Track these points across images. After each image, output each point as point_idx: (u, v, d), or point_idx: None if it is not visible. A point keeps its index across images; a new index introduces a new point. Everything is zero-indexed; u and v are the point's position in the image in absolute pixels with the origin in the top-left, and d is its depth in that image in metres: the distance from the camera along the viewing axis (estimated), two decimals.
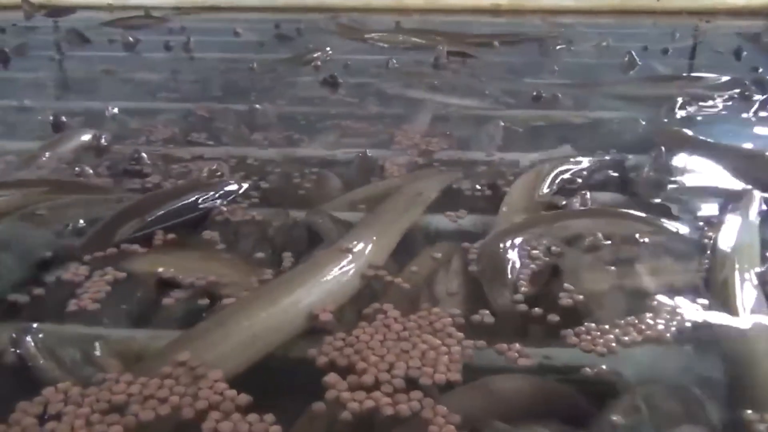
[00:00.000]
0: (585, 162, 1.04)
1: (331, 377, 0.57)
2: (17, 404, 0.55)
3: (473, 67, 1.74)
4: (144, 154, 1.06)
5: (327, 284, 0.69)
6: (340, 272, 0.71)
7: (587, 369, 0.59)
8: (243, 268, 0.76)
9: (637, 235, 0.79)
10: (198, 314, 0.67)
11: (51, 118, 1.23)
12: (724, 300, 0.67)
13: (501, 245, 0.76)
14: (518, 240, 0.78)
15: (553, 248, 0.77)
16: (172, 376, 0.57)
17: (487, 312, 0.67)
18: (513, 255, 0.75)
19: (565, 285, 0.71)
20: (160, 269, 0.74)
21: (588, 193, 0.90)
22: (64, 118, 1.23)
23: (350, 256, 0.73)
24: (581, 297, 0.69)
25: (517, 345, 0.61)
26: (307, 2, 2.67)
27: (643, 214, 0.85)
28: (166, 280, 0.73)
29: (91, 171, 1.01)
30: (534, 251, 0.77)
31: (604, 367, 0.59)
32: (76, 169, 1.02)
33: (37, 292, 0.71)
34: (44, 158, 1.07)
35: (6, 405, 0.55)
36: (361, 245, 0.76)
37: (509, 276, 0.72)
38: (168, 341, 0.62)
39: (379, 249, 0.77)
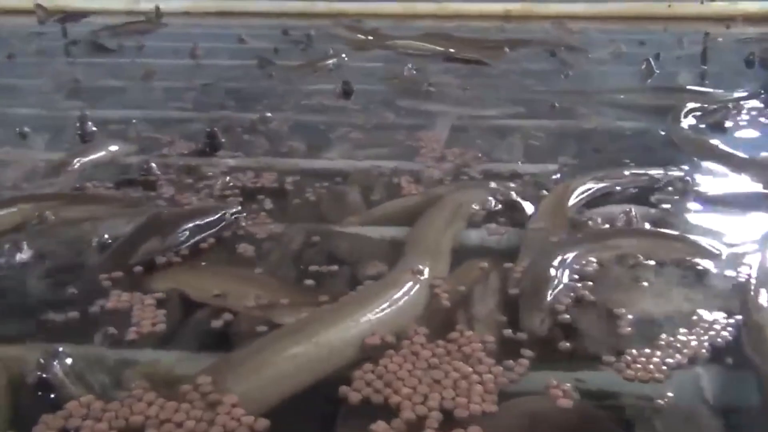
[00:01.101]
0: (615, 176, 1.03)
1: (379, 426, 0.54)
2: (41, 417, 0.54)
3: (488, 75, 1.73)
4: (153, 164, 1.05)
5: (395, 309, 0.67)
6: (407, 296, 0.69)
7: (625, 394, 0.58)
8: (290, 289, 0.74)
9: (679, 257, 0.78)
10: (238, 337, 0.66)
11: (78, 124, 1.23)
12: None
13: (544, 265, 0.75)
14: (560, 260, 0.76)
15: (595, 268, 0.76)
16: (188, 400, 0.55)
17: (524, 336, 0.65)
18: (554, 276, 0.73)
19: (607, 307, 0.69)
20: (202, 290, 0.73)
21: (633, 210, 0.88)
22: (93, 127, 1.23)
23: (417, 277, 0.72)
24: (622, 320, 0.67)
25: (554, 379, 0.59)
26: (315, 8, 2.67)
27: (685, 236, 0.83)
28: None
29: (110, 184, 1.01)
30: (575, 272, 0.75)
31: (642, 391, 0.58)
32: (93, 182, 1.02)
33: (71, 314, 0.69)
34: (73, 167, 1.07)
35: (30, 417, 0.55)
36: (422, 265, 0.74)
37: (547, 299, 0.70)
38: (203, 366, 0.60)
39: (439, 267, 0.77)
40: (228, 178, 1.03)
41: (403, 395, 0.57)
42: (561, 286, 0.72)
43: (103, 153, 1.13)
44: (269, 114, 1.33)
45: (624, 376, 0.60)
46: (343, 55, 1.90)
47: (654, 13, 2.48)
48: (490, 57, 1.89)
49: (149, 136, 1.25)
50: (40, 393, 0.58)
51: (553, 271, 0.73)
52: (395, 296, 0.69)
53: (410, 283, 0.71)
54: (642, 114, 1.39)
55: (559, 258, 0.75)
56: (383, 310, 0.66)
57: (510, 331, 0.66)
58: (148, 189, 1.00)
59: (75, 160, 1.08)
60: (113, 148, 1.15)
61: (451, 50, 1.93)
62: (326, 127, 1.31)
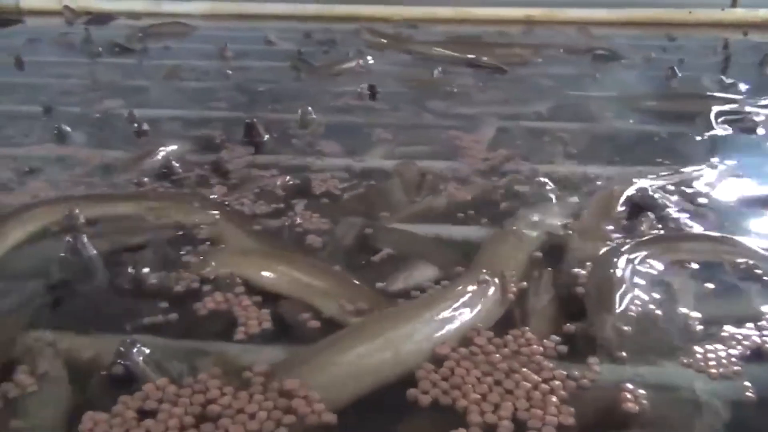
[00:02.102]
0: (657, 178, 1.05)
1: None
2: (119, 397, 0.57)
3: (514, 79, 1.75)
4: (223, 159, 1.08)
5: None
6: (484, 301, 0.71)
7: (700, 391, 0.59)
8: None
9: (740, 261, 0.79)
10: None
11: (135, 125, 1.25)
12: None
13: (609, 268, 0.76)
14: (625, 263, 0.77)
15: (661, 272, 0.77)
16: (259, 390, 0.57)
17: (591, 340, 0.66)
18: (622, 279, 0.74)
19: (676, 309, 0.71)
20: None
21: (652, 215, 0.90)
22: (146, 126, 1.25)
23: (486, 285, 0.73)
24: (690, 322, 0.69)
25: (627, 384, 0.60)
26: (337, 11, 2.68)
27: (745, 242, 0.84)
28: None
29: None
30: (641, 275, 0.76)
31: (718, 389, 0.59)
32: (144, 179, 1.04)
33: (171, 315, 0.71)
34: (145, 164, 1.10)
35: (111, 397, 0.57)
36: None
37: (617, 303, 0.70)
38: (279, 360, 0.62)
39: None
40: (288, 177, 1.05)
41: (472, 400, 0.57)
42: (628, 288, 0.73)
43: (168, 151, 1.15)
44: (313, 115, 1.34)
45: (697, 375, 0.61)
46: (369, 58, 1.92)
47: (675, 19, 2.49)
48: (516, 62, 1.90)
49: (202, 134, 1.27)
50: (119, 381, 0.60)
51: (619, 274, 0.74)
52: (467, 303, 0.69)
53: (480, 290, 0.71)
54: (668, 118, 1.40)
55: (623, 260, 0.77)
56: (455, 316, 0.67)
57: (575, 334, 0.67)
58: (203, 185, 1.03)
59: (146, 158, 1.11)
60: (173, 147, 1.17)
61: (470, 56, 1.93)
62: (362, 127, 1.33)
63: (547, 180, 1.04)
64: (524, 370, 0.61)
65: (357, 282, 0.75)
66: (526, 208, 0.95)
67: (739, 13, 2.50)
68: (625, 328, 0.67)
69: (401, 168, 1.08)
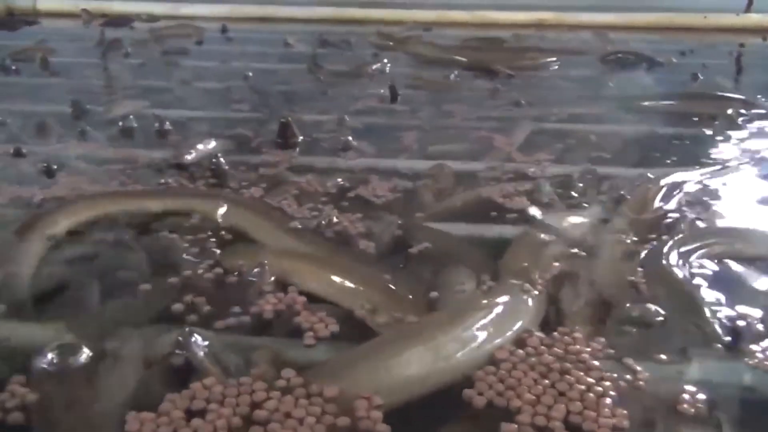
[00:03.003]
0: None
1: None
2: (166, 395, 0.57)
3: (534, 83, 1.75)
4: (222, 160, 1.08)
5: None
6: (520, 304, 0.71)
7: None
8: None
9: None
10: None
11: (156, 125, 1.26)
12: None
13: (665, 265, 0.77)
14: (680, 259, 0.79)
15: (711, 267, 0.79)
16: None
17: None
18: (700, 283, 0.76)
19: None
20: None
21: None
22: (170, 126, 1.27)
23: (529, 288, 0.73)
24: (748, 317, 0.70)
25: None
26: (352, 14, 2.70)
27: None
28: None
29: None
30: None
31: None
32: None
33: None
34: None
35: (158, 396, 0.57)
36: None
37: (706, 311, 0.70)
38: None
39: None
40: (325, 177, 1.06)
41: (526, 401, 0.57)
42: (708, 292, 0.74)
43: (206, 150, 1.16)
44: (347, 117, 1.35)
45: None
46: (385, 60, 1.93)
47: (690, 24, 2.50)
48: (529, 65, 1.92)
49: (231, 134, 1.28)
50: (177, 371, 0.60)
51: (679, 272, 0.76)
52: (512, 307, 0.70)
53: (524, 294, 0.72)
54: (690, 120, 1.42)
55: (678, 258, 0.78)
56: (504, 319, 0.67)
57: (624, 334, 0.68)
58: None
59: (184, 156, 1.12)
60: (211, 144, 1.19)
61: (485, 60, 1.94)
62: (389, 129, 1.34)
63: (577, 181, 1.05)
64: (576, 372, 0.61)
65: (394, 286, 0.75)
66: (554, 209, 0.96)
67: (755, 18, 2.51)
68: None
69: (435, 170, 1.09)
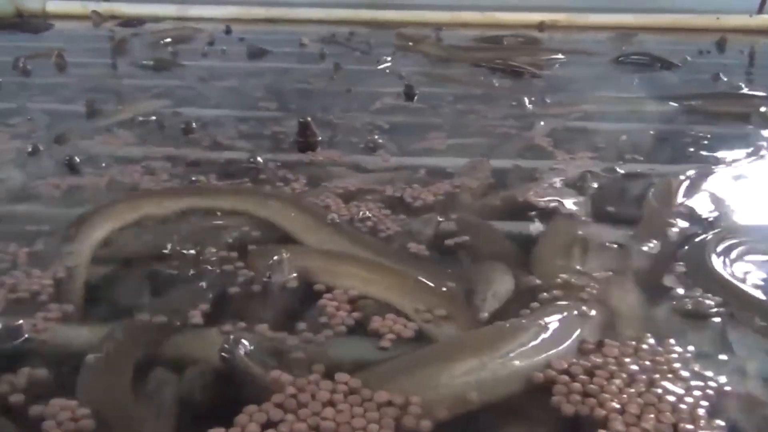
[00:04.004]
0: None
1: None
2: (244, 407, 0.54)
3: (551, 82, 1.74)
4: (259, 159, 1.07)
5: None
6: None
7: None
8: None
9: None
10: None
11: (183, 125, 1.26)
12: None
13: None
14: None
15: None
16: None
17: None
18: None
19: None
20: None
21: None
22: (194, 124, 1.25)
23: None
24: None
25: None
26: (363, 16, 2.69)
27: None
28: None
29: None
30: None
31: None
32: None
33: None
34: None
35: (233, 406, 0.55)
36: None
37: None
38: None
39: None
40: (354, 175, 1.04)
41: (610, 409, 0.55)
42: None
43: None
44: (370, 116, 1.33)
45: None
46: (387, 58, 1.92)
47: (702, 25, 2.49)
48: (546, 64, 1.91)
49: (255, 132, 1.27)
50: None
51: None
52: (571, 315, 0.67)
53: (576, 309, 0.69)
54: (721, 118, 1.41)
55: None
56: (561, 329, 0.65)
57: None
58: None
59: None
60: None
61: (498, 60, 1.93)
62: (411, 127, 1.33)
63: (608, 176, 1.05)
64: (663, 380, 0.59)
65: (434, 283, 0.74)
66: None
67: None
68: None
69: (473, 165, 1.08)
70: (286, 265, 0.74)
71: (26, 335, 0.63)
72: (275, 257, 0.74)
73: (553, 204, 0.96)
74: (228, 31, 2.37)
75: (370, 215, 0.90)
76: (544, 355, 0.61)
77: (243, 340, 0.60)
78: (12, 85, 1.63)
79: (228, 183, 1.02)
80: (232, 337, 0.61)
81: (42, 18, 2.66)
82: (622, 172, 1.08)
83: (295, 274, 0.74)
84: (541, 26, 2.52)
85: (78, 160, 1.07)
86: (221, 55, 2.05)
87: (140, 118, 1.33)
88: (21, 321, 0.64)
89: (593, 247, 0.84)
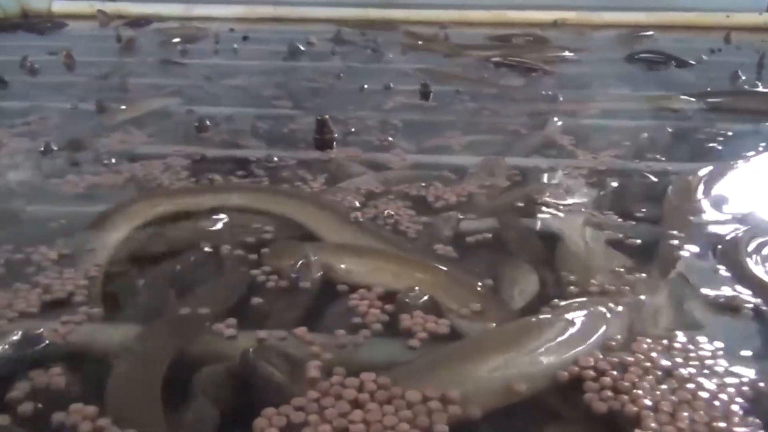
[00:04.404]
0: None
1: None
2: (263, 410, 0.52)
3: (563, 80, 1.73)
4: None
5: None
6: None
7: None
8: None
9: None
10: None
11: (196, 122, 1.25)
12: None
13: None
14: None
15: None
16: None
17: None
18: None
19: None
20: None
21: None
22: (207, 122, 1.24)
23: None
24: None
25: None
26: (372, 15, 2.68)
27: None
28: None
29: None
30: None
31: None
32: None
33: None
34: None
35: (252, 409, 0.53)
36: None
37: None
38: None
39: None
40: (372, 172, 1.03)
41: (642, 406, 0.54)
42: None
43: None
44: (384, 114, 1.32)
45: None
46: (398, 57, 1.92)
47: (712, 23, 2.48)
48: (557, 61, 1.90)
49: (268, 129, 1.26)
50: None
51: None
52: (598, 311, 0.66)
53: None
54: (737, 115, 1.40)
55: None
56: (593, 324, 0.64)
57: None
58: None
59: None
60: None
61: (510, 58, 1.92)
62: (427, 125, 1.32)
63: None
64: (696, 377, 0.57)
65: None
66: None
67: None
68: None
69: (488, 163, 1.07)
70: (313, 265, 0.73)
71: (47, 341, 0.61)
72: (302, 259, 0.73)
73: (571, 201, 0.95)
74: (231, 32, 2.36)
75: (391, 213, 0.89)
76: (573, 352, 0.59)
77: (264, 345, 0.58)
78: (21, 84, 1.63)
79: (246, 181, 1.01)
80: (252, 343, 0.59)
81: (48, 18, 2.65)
82: (641, 168, 1.07)
83: (321, 273, 0.73)
84: (555, 24, 2.52)
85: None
86: (230, 53, 2.04)
87: (152, 116, 1.32)
88: (41, 329, 0.62)
89: (615, 244, 0.83)
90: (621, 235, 0.85)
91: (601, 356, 0.59)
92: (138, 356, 0.59)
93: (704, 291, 0.72)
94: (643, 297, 0.70)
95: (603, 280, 0.72)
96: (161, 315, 0.66)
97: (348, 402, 0.54)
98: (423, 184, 0.99)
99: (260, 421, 0.52)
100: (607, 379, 0.56)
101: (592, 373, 0.57)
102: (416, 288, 0.69)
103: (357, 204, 0.92)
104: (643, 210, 0.92)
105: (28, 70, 1.75)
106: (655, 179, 1.03)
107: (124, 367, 0.58)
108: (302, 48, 2.04)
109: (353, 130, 1.27)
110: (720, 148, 1.21)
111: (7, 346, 0.60)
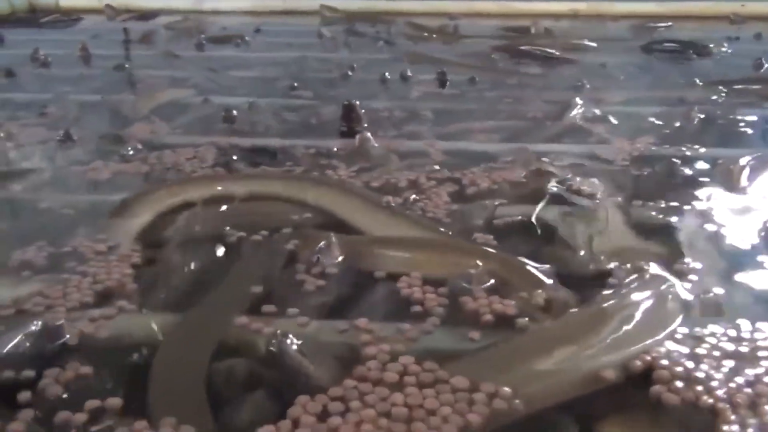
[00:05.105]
0: None
1: None
2: (297, 398, 0.51)
3: (581, 69, 1.71)
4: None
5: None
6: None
7: None
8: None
9: None
10: None
11: (223, 112, 1.23)
12: None
13: None
14: None
15: None
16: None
17: None
18: None
19: None
20: None
21: None
22: (234, 112, 1.23)
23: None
24: None
25: None
26: (381, 7, 2.65)
27: None
28: None
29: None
30: None
31: None
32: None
33: None
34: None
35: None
36: None
37: None
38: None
39: None
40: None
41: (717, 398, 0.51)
42: None
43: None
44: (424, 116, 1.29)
45: None
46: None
47: (727, 12, 2.45)
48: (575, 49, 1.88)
49: (292, 119, 1.25)
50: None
51: None
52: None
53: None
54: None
55: None
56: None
57: None
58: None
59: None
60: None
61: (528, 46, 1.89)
62: (449, 113, 1.30)
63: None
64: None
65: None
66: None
67: None
68: None
69: (519, 150, 1.06)
70: (334, 247, 0.72)
71: (67, 336, 0.59)
72: (323, 241, 0.72)
73: (603, 187, 0.93)
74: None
75: (419, 198, 0.88)
76: (640, 341, 0.57)
77: (290, 335, 0.56)
78: (36, 77, 1.62)
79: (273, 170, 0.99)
80: (278, 331, 0.57)
81: (54, 12, 2.63)
82: (673, 154, 1.05)
83: (342, 257, 0.71)
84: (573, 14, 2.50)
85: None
86: (244, 45, 2.03)
87: (171, 107, 1.30)
88: (62, 321, 0.60)
89: (650, 230, 0.81)
90: (658, 220, 0.83)
91: (671, 346, 0.57)
92: (183, 343, 0.58)
93: (751, 279, 0.70)
94: (689, 284, 0.68)
95: (644, 266, 0.71)
96: (199, 303, 0.64)
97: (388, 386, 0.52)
98: (455, 171, 0.97)
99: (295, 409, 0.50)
100: (678, 369, 0.54)
101: (662, 362, 0.55)
102: (476, 271, 0.67)
103: (386, 191, 0.90)
104: (679, 196, 0.91)
105: (41, 63, 1.74)
106: (688, 165, 1.01)
107: (168, 355, 0.57)
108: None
109: (375, 119, 1.25)
110: (750, 133, 1.19)
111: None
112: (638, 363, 0.55)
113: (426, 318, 0.62)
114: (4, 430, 0.48)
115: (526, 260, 0.71)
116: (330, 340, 0.59)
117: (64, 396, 0.52)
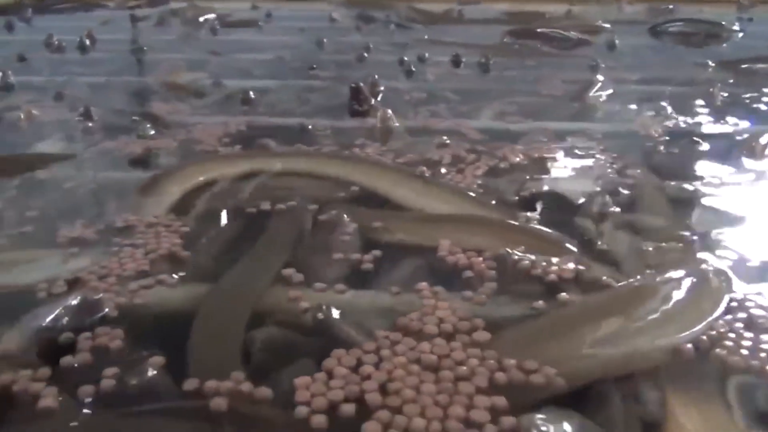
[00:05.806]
0: None
1: None
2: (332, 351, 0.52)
3: (602, 51, 1.71)
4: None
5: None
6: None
7: None
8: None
9: None
10: None
11: (241, 95, 1.24)
12: None
13: None
14: None
15: None
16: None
17: None
18: None
19: None
20: None
21: None
22: (252, 94, 1.23)
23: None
24: None
25: None
26: None
27: None
28: None
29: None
30: None
31: None
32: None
33: None
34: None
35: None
36: None
37: None
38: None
39: None
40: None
41: None
42: None
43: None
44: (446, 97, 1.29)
45: None
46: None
47: None
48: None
49: (307, 99, 1.25)
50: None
51: None
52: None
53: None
54: None
55: None
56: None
57: None
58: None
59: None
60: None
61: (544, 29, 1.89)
62: (464, 93, 1.30)
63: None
64: None
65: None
66: None
67: None
68: None
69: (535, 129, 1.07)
70: (344, 218, 0.73)
71: (106, 309, 0.59)
72: (333, 211, 0.74)
73: (629, 168, 0.92)
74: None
75: (448, 172, 0.88)
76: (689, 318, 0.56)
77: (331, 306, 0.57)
78: (51, 61, 1.62)
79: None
80: (324, 306, 0.57)
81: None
82: (692, 132, 1.05)
83: (355, 225, 0.72)
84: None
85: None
86: (256, 29, 2.03)
87: (187, 89, 1.30)
88: (101, 294, 0.60)
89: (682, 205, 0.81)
90: (688, 193, 0.84)
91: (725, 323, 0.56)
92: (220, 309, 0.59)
93: None
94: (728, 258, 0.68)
95: (677, 243, 0.71)
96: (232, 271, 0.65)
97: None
98: (484, 148, 0.97)
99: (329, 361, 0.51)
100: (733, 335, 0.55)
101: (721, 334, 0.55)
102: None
103: (422, 167, 0.90)
104: (705, 170, 0.91)
105: (55, 48, 1.73)
106: (711, 141, 1.02)
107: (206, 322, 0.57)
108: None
109: (391, 99, 1.25)
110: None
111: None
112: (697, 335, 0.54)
113: (483, 283, 0.62)
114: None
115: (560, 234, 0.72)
116: (385, 305, 0.59)
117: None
